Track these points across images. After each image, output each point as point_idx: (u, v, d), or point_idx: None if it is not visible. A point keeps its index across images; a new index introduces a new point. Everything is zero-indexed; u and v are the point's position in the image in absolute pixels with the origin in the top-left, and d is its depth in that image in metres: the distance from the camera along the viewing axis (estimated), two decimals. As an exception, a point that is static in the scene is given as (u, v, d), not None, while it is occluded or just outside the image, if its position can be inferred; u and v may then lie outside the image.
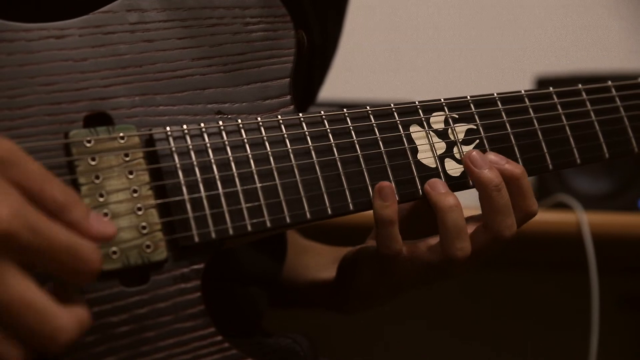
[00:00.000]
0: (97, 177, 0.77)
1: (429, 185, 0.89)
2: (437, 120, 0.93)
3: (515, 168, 0.91)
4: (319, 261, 1.16)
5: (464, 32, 2.32)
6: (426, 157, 0.91)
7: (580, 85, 1.02)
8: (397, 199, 0.88)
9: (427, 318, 2.16)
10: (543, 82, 1.81)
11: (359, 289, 1.01)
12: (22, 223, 0.62)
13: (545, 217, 1.78)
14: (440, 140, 0.92)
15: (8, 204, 0.62)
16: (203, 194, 0.80)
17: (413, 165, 0.90)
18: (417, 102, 0.93)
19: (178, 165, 0.80)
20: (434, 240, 0.91)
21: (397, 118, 0.91)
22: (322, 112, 0.88)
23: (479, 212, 0.92)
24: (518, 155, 0.95)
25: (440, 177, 0.91)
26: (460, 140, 0.93)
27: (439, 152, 0.92)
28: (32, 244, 0.62)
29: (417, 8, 2.31)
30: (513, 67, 2.26)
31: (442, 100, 0.94)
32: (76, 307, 0.66)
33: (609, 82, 1.04)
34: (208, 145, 0.82)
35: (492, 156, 0.92)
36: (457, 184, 0.92)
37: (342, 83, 1.88)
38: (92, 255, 0.66)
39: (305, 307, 1.21)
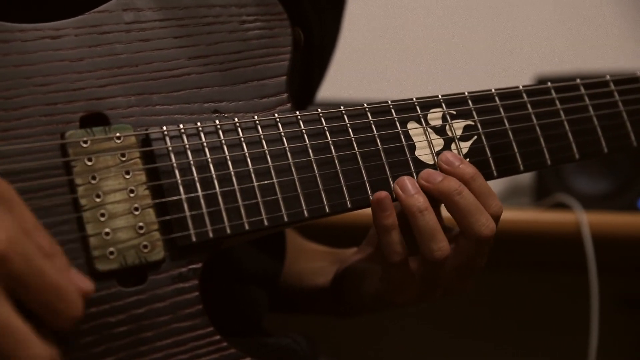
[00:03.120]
0: (94, 178, 0.76)
1: (398, 186, 0.88)
2: (435, 116, 0.93)
3: (467, 168, 0.90)
4: (314, 266, 1.16)
5: (464, 31, 2.32)
6: (424, 153, 0.91)
7: (578, 80, 1.02)
8: (394, 197, 0.88)
9: (427, 318, 2.16)
10: (543, 82, 1.81)
11: (358, 303, 1.02)
12: (17, 250, 0.63)
13: (545, 217, 1.78)
14: (438, 137, 0.92)
15: (7, 230, 0.63)
16: (200, 193, 0.80)
17: (411, 162, 0.90)
18: (414, 99, 0.93)
19: (175, 165, 0.80)
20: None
21: (394, 115, 0.91)
22: (319, 110, 0.88)
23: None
24: (516, 151, 0.95)
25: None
26: (458, 136, 0.93)
27: (437, 148, 0.92)
28: (24, 273, 0.63)
29: (418, 5, 2.31)
30: (514, 66, 2.26)
31: (440, 96, 0.94)
32: (50, 345, 0.66)
33: (607, 77, 1.04)
34: (205, 144, 0.82)
35: (448, 155, 0.91)
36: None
37: (340, 81, 1.88)
38: (76, 301, 0.66)
39: (304, 312, 1.21)
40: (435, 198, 0.89)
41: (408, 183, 0.88)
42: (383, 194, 0.86)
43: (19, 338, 0.63)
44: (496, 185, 0.92)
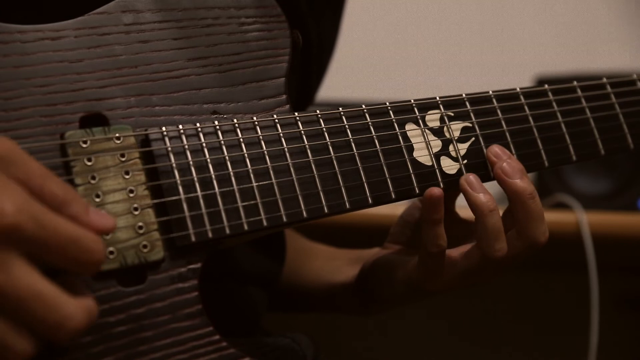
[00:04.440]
0: (94, 178, 0.77)
1: (468, 184, 0.90)
2: (433, 118, 0.93)
3: (514, 163, 0.92)
4: (333, 265, 1.16)
5: (463, 32, 2.32)
6: (422, 155, 0.91)
7: (575, 83, 1.02)
8: (393, 197, 0.89)
9: (427, 318, 2.16)
10: (543, 82, 1.81)
11: (385, 298, 1.03)
12: (27, 216, 0.63)
13: (545, 217, 1.78)
14: (436, 138, 0.93)
15: (12, 198, 0.63)
16: (199, 193, 0.80)
17: (409, 164, 0.90)
18: (412, 101, 0.93)
19: (174, 165, 0.80)
20: (467, 247, 0.93)
21: (392, 116, 0.91)
22: (318, 111, 0.88)
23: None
24: (514, 152, 0.95)
25: (436, 175, 0.91)
26: (455, 138, 0.93)
27: (435, 150, 0.92)
28: (38, 235, 0.64)
29: (416, 7, 2.31)
30: (513, 67, 2.26)
31: (438, 98, 0.94)
32: (83, 298, 0.67)
33: (604, 79, 1.04)
34: (204, 144, 0.82)
35: (497, 149, 0.93)
36: (452, 181, 0.92)
37: (339, 82, 1.88)
38: (96, 246, 0.67)
39: (318, 311, 1.21)
40: (506, 194, 0.91)
41: (475, 181, 0.90)
42: (437, 191, 0.88)
43: (48, 301, 0.63)
44: (496, 185, 0.93)
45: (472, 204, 0.90)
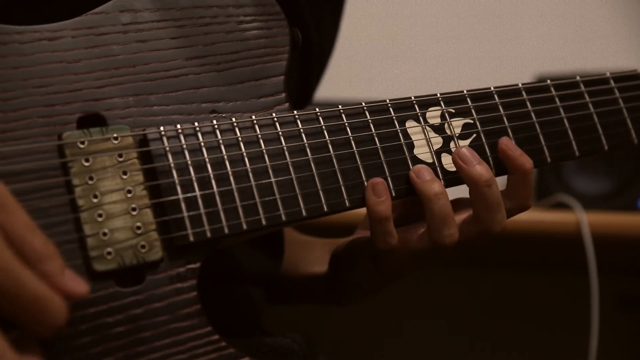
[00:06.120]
0: (91, 178, 0.76)
1: (414, 172, 0.89)
2: (434, 115, 0.93)
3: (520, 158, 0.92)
4: (312, 255, 1.16)
5: (464, 31, 2.32)
6: (422, 152, 0.91)
7: (578, 78, 1.01)
8: (394, 195, 0.88)
9: (427, 318, 2.16)
10: (543, 81, 1.81)
11: (353, 281, 1.02)
12: None
13: (545, 217, 1.78)
14: (437, 135, 0.92)
15: None
16: (198, 193, 0.80)
17: (409, 161, 0.90)
18: (412, 97, 0.92)
19: (172, 165, 0.80)
20: (422, 228, 0.91)
21: (392, 114, 0.91)
22: (317, 109, 0.88)
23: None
24: (516, 149, 0.95)
25: (437, 173, 0.91)
26: (457, 134, 0.93)
27: (436, 147, 0.92)
28: (1, 285, 0.63)
29: (417, 5, 2.31)
30: (514, 66, 2.26)
31: (439, 95, 0.94)
32: (31, 356, 0.66)
33: (607, 74, 1.03)
34: (202, 144, 0.81)
35: (506, 139, 0.93)
36: (454, 178, 0.92)
37: (339, 81, 1.88)
38: (59, 309, 0.66)
39: (302, 302, 1.21)
40: (464, 181, 0.90)
41: (424, 170, 0.89)
42: (379, 179, 0.87)
43: None
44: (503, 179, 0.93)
45: (419, 192, 0.89)
